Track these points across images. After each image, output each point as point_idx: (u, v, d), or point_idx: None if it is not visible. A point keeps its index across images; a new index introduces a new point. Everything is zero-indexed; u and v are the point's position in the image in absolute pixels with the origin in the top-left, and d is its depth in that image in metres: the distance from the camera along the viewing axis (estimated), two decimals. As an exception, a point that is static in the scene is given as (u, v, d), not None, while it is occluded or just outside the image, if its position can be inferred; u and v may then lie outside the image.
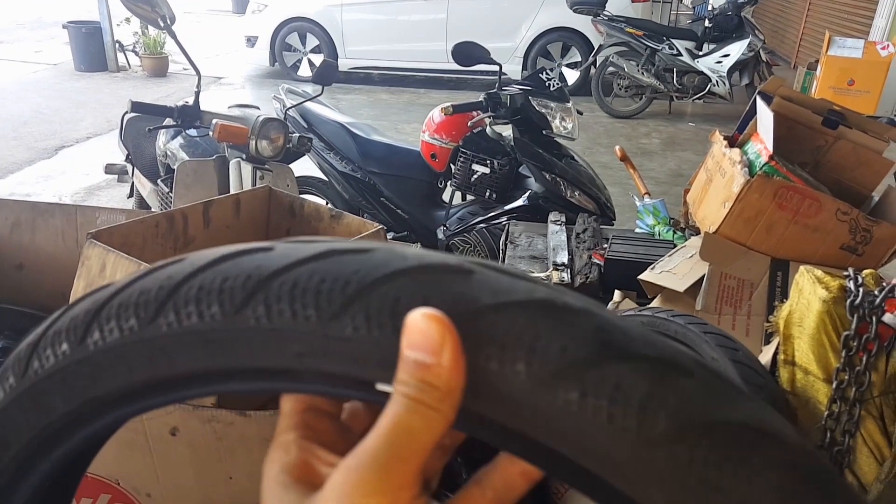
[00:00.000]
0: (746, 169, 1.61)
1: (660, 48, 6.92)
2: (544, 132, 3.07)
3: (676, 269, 1.69)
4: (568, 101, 3.12)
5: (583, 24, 7.55)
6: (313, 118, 3.42)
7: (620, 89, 7.12)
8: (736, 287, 1.60)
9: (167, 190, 2.76)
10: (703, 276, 1.60)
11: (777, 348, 1.14)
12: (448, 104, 3.10)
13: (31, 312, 1.80)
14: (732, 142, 1.88)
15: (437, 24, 7.97)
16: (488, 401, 0.26)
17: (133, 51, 8.57)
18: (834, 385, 1.02)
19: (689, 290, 1.61)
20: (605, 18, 7.06)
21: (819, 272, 1.09)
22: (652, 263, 1.79)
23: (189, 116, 2.47)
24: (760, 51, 6.80)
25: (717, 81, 6.83)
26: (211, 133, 2.33)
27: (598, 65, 7.15)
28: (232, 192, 2.39)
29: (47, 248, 1.80)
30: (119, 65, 8.59)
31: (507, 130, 3.19)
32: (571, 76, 7.87)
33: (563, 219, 2.46)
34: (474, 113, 3.11)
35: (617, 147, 2.88)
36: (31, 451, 0.34)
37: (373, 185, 3.36)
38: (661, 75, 6.94)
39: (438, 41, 7.85)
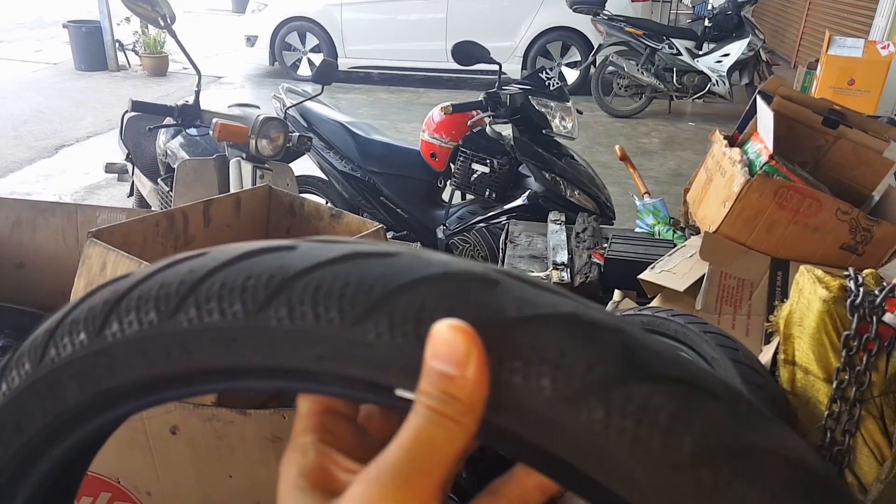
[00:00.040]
0: (746, 168, 1.61)
1: (659, 47, 6.92)
2: (544, 131, 3.07)
3: (676, 269, 1.69)
4: (568, 101, 3.12)
5: (582, 23, 7.55)
6: (313, 117, 3.42)
7: (620, 89, 7.12)
8: (736, 287, 1.60)
9: (167, 189, 2.76)
10: (703, 275, 1.60)
11: (777, 348, 1.14)
12: (448, 103, 3.10)
13: (32, 311, 1.80)
14: (732, 141, 1.88)
15: (436, 24, 7.97)
16: (511, 415, 0.26)
17: (133, 50, 8.57)
18: (834, 385, 1.02)
19: (689, 289, 1.61)
20: (605, 18, 7.06)
21: (819, 272, 1.09)
22: (652, 263, 1.79)
23: (189, 115, 2.47)
24: (760, 50, 6.80)
25: (716, 81, 6.83)
26: (211, 132, 2.33)
27: (597, 64, 7.15)
28: (232, 191, 2.39)
29: (48, 246, 1.80)
30: (119, 64, 8.59)
31: (506, 130, 3.19)
32: (571, 75, 7.86)
33: (563, 218, 2.46)
34: (474, 112, 3.11)
35: (617, 146, 2.87)
36: (43, 438, 0.34)
37: (372, 184, 3.36)
38: (660, 75, 6.94)
39: (438, 40, 7.85)
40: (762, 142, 1.73)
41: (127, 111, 2.48)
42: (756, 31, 6.89)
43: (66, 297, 1.59)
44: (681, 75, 6.94)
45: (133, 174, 3.20)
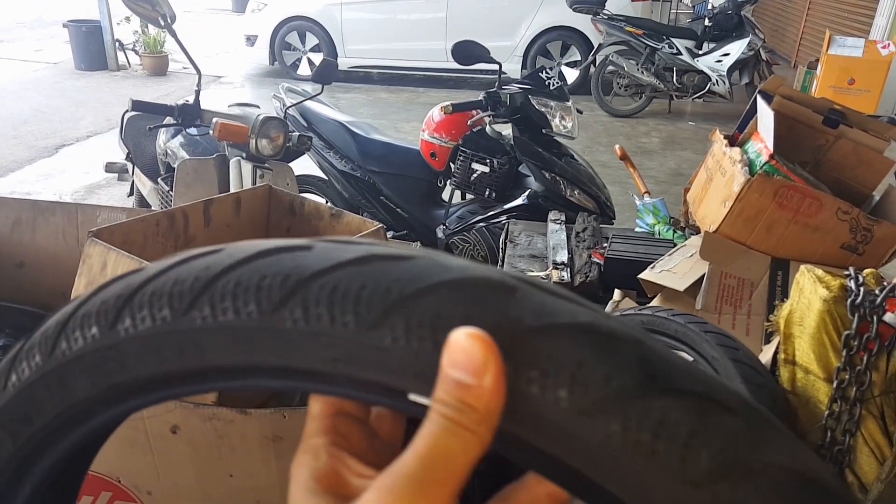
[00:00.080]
0: (747, 168, 1.61)
1: (659, 47, 6.92)
2: (544, 131, 3.06)
3: (676, 269, 1.69)
4: (568, 100, 3.12)
5: (582, 22, 7.55)
6: (313, 117, 3.42)
7: (620, 88, 7.12)
8: (736, 286, 1.60)
9: (167, 188, 2.76)
10: (703, 275, 1.60)
11: (777, 347, 1.14)
12: (448, 103, 3.10)
13: (32, 310, 1.80)
14: (733, 141, 1.88)
15: (436, 23, 7.97)
16: (526, 424, 0.26)
17: (133, 49, 8.57)
18: (834, 384, 1.02)
19: (689, 289, 1.61)
20: (605, 17, 7.06)
21: (820, 271, 1.09)
22: (652, 262, 1.79)
23: (189, 115, 2.47)
24: (760, 50, 6.80)
25: (716, 80, 6.83)
26: (211, 132, 2.33)
27: (597, 64, 7.15)
28: (232, 190, 2.39)
29: (48, 246, 1.80)
30: (119, 63, 8.59)
31: (506, 129, 3.19)
32: (571, 75, 7.87)
33: (563, 218, 2.46)
34: (474, 112, 3.11)
35: (617, 146, 2.87)
36: (51, 430, 0.34)
37: (372, 183, 3.36)
38: (660, 74, 6.94)
39: (438, 40, 7.85)
40: (762, 141, 1.73)
41: (127, 111, 2.48)
42: (756, 31, 6.89)
43: (67, 297, 1.59)
44: (681, 75, 6.94)
45: (133, 174, 3.20)
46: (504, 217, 2.95)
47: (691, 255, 1.69)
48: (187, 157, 2.66)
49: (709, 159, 1.87)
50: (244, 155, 2.44)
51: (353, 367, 0.27)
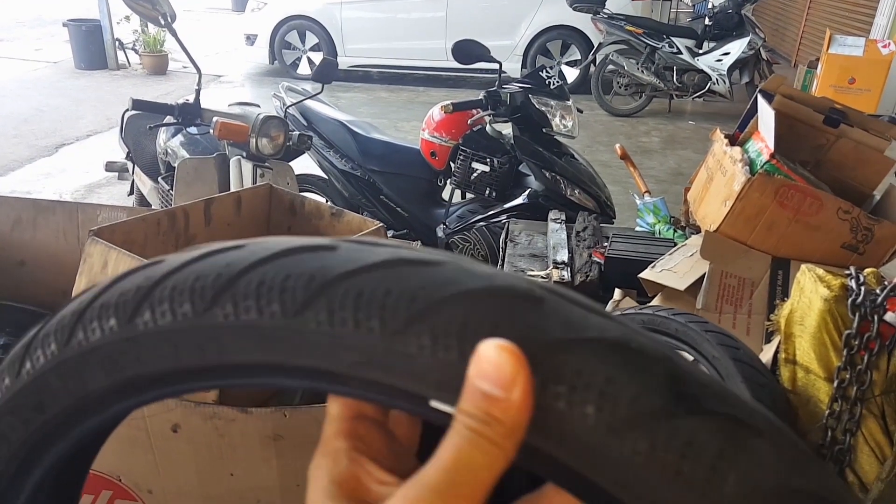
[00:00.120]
0: (747, 167, 1.61)
1: (660, 46, 6.92)
2: (544, 130, 3.06)
3: (677, 268, 1.69)
4: (568, 99, 3.12)
5: (582, 22, 7.55)
6: (313, 116, 3.42)
7: (620, 87, 7.12)
8: (736, 286, 1.60)
9: (168, 188, 2.76)
10: (704, 274, 1.60)
11: (778, 347, 1.14)
12: (448, 102, 3.10)
13: (33, 309, 1.80)
14: (733, 140, 1.88)
15: (436, 22, 7.97)
16: (551, 439, 0.25)
17: (133, 49, 8.57)
18: (835, 384, 1.02)
19: (690, 288, 1.61)
20: (605, 16, 7.06)
21: (820, 271, 1.09)
22: (652, 262, 1.79)
23: (189, 114, 2.47)
24: (761, 49, 6.80)
25: (717, 80, 6.83)
26: (211, 131, 2.33)
27: (597, 63, 7.15)
28: (232, 189, 2.39)
29: (48, 245, 1.80)
30: (119, 63, 8.59)
31: (506, 128, 3.19)
32: (571, 74, 7.86)
33: (563, 217, 2.46)
34: (474, 111, 3.11)
35: (617, 145, 2.87)
36: (63, 420, 0.34)
37: (373, 182, 3.36)
38: (660, 73, 6.94)
39: (438, 39, 7.85)
40: (763, 140, 1.73)
41: (127, 110, 2.49)
42: (756, 30, 6.89)
43: (67, 296, 1.59)
44: (681, 74, 6.94)
45: (133, 173, 3.20)
46: (504, 216, 2.95)
47: (692, 255, 1.69)
48: (187, 156, 2.66)
49: (709, 159, 1.87)
50: (244, 154, 2.44)
51: (375, 372, 0.27)
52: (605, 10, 7.06)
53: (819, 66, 6.31)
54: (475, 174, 3.14)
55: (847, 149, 1.77)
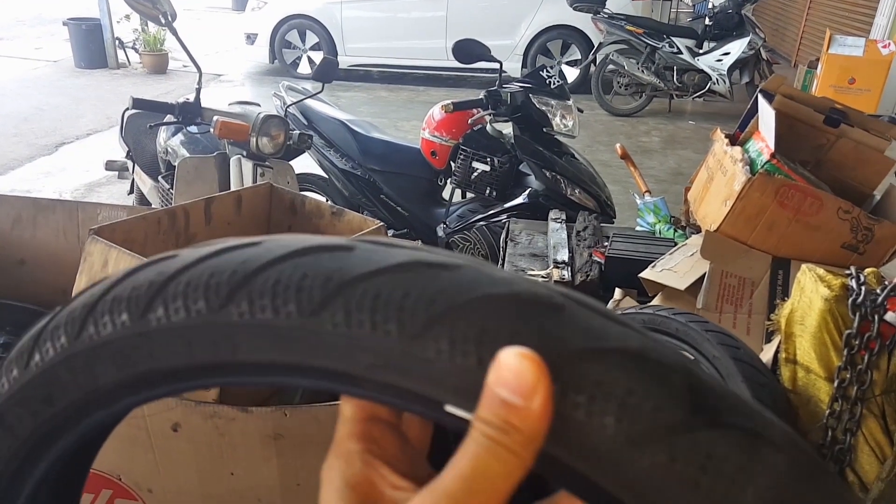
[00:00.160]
0: (748, 167, 1.61)
1: (660, 46, 6.92)
2: (545, 130, 3.06)
3: (677, 268, 1.69)
4: (568, 99, 3.11)
5: (583, 21, 7.55)
6: (313, 115, 3.42)
7: (620, 87, 7.12)
8: (737, 285, 1.60)
9: (168, 186, 2.76)
10: (704, 274, 1.60)
11: (778, 347, 1.15)
12: (448, 102, 3.10)
13: (33, 308, 1.80)
14: (734, 140, 1.88)
15: (436, 22, 7.97)
16: (569, 449, 0.25)
17: (133, 48, 8.57)
18: (835, 383, 1.02)
19: (690, 288, 1.61)
20: (606, 16, 7.06)
21: (821, 271, 1.09)
22: (653, 261, 1.79)
23: (190, 113, 2.47)
24: (761, 49, 6.80)
25: (717, 80, 6.83)
26: (212, 130, 2.33)
27: (598, 63, 7.15)
28: (233, 188, 2.39)
29: (48, 244, 1.80)
30: (119, 62, 8.58)
31: (507, 128, 3.19)
32: (571, 74, 7.87)
33: (564, 217, 2.46)
34: (474, 110, 3.11)
35: (617, 145, 2.87)
36: (71, 413, 0.34)
37: (373, 182, 3.36)
38: (661, 73, 6.94)
39: (438, 38, 7.85)
40: (763, 140, 1.73)
41: (127, 109, 2.49)
42: (756, 30, 6.89)
43: (67, 295, 1.59)
44: (681, 74, 6.94)
45: (133, 172, 3.20)
46: (505, 216, 2.95)
47: (692, 255, 1.69)
48: (188, 155, 2.66)
49: (710, 158, 1.87)
50: (245, 153, 2.44)
51: (391, 375, 0.26)
52: (605, 10, 7.06)
53: (819, 66, 6.32)
54: (475, 173, 3.14)
55: (847, 149, 1.77)
